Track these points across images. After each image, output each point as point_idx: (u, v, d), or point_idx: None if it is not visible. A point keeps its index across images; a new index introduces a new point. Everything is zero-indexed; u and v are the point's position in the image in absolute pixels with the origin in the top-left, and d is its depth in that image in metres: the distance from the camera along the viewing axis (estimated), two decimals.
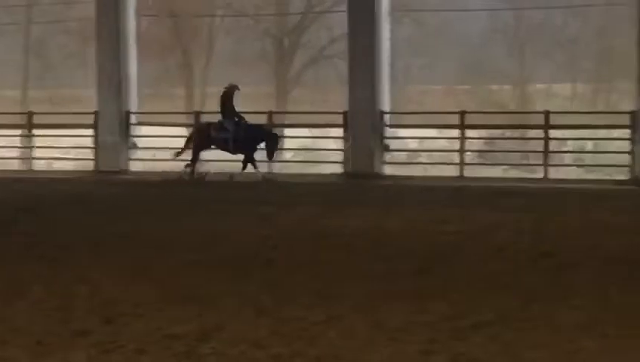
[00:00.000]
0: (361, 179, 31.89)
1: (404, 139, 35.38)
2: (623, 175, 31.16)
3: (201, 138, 32.25)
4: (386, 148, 33.52)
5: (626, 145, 31.27)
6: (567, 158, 34.05)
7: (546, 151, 32.10)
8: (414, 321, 11.72)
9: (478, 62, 36.26)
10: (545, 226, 21.12)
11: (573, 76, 35.52)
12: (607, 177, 31.60)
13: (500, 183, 30.43)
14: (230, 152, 32.20)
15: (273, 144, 31.95)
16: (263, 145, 31.80)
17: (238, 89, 32.05)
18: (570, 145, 34.14)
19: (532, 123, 33.47)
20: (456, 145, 33.04)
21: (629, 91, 32.01)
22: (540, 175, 31.97)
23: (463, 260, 16.75)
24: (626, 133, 31.19)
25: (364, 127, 33.02)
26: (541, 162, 32.24)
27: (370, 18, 32.92)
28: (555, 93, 35.56)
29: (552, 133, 32.31)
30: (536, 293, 13.46)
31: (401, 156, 34.63)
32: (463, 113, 32.51)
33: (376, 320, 11.79)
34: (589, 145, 33.96)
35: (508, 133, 34.93)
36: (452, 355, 10.16)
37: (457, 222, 21.76)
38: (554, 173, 32.17)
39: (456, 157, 33.00)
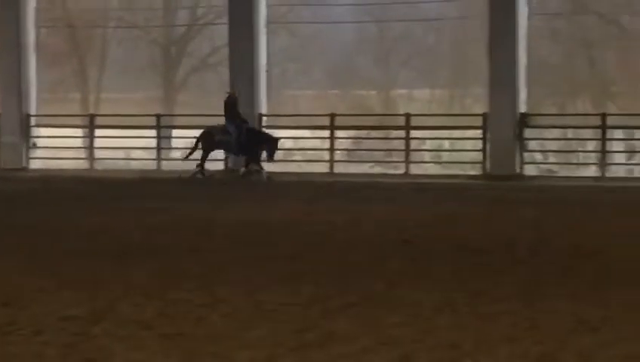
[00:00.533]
0: (240, 176, 31.96)
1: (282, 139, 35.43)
2: (475, 171, 31.59)
3: (206, 141, 31.76)
4: None
5: (478, 144, 31.68)
6: (427, 156, 34.35)
7: (407, 150, 32.38)
8: (289, 303, 11.78)
9: (347, 69, 36.47)
10: (405, 217, 21.33)
11: (432, 82, 35.85)
12: (462, 173, 32.00)
13: (366, 179, 30.64)
14: (234, 154, 32.19)
15: (273, 147, 31.52)
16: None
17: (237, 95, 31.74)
18: (428, 144, 34.46)
19: (395, 124, 33.67)
20: (327, 144, 33.18)
21: (481, 96, 32.40)
22: (402, 171, 32.24)
23: (333, 248, 16.79)
24: (478, 133, 31.57)
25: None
26: (403, 159, 32.51)
27: (249, 29, 32.96)
28: (415, 98, 35.88)
29: (413, 133, 32.60)
30: (397, 277, 13.59)
31: (277, 154, 34.63)
32: (332, 115, 32.67)
33: (255, 302, 11.83)
34: (446, 144, 34.31)
35: (373, 133, 35.10)
36: (321, 333, 10.23)
37: (328, 213, 21.88)
38: (414, 170, 32.48)
39: (326, 156, 33.14)
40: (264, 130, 32.90)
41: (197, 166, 31.61)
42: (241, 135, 31.05)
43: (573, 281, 13.32)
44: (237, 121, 31.27)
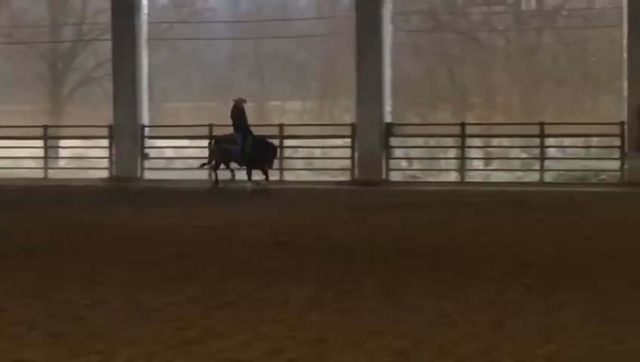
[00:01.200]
0: (124, 182, 31.73)
1: (162, 148, 35.31)
2: (344, 177, 31.78)
3: (215, 151, 30.38)
4: (146, 157, 33.46)
5: (347, 152, 31.91)
6: (299, 163, 34.46)
7: (281, 158, 32.48)
8: (170, 302, 11.75)
9: (224, 83, 36.37)
10: (281, 220, 21.39)
11: (303, 95, 35.97)
12: (332, 179, 32.15)
13: (243, 185, 30.66)
14: (239, 164, 30.11)
15: (274, 155, 30.17)
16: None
17: (246, 102, 30.18)
18: (301, 153, 34.60)
19: (269, 134, 33.71)
20: (205, 153, 33.15)
21: (349, 107, 32.62)
22: (277, 178, 32.32)
23: (212, 249, 16.84)
24: (347, 141, 31.80)
25: (127, 138, 32.91)
26: (277, 167, 32.60)
27: (132, 45, 32.84)
28: (288, 109, 35.98)
29: (286, 142, 32.73)
30: (271, 276, 13.64)
31: (159, 163, 34.54)
32: (211, 126, 32.70)
33: (137, 302, 11.78)
34: (317, 152, 34.45)
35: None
36: (201, 330, 10.24)
37: (207, 217, 21.89)
38: (288, 176, 32.59)
39: None
40: (268, 139, 30.49)
41: (213, 176, 30.66)
42: (246, 145, 29.20)
43: (435, 279, 13.45)
44: (243, 130, 29.54)
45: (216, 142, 30.77)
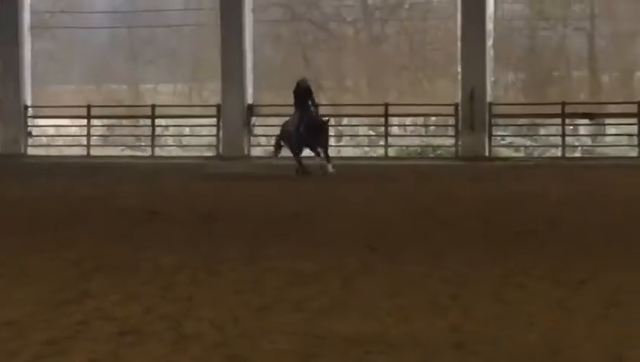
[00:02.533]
0: (9, 158, 31.17)
1: (45, 127, 34.85)
2: (211, 153, 31.73)
3: (281, 133, 26.29)
4: (30, 135, 33.01)
5: (213, 130, 31.85)
6: (170, 140, 34.29)
7: (153, 136, 32.35)
8: (50, 267, 11.64)
9: (102, 67, 35.94)
10: (153, 191, 21.26)
11: (174, 78, 35.67)
12: (200, 154, 32.04)
13: (118, 160, 30.39)
14: (291, 144, 25.56)
15: (325, 134, 25.42)
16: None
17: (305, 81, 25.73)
18: (171, 131, 34.42)
19: (143, 114, 33.46)
20: (85, 131, 32.84)
21: (215, 89, 32.51)
22: (149, 153, 32.14)
23: (91, 218, 16.62)
24: (213, 121, 31.78)
25: (12, 118, 32.41)
26: (149, 144, 32.44)
27: (14, 33, 32.35)
28: (160, 92, 35.66)
29: (158, 121, 32.57)
30: (144, 242, 13.56)
31: (42, 140, 34.08)
32: (89, 107, 32.49)
33: (20, 267, 11.64)
34: (186, 130, 34.29)
35: (124, 121, 34.79)
36: (78, 292, 10.14)
37: (86, 189, 21.65)
38: (159, 152, 32.42)
39: (84, 141, 32.76)
40: (322, 118, 25.75)
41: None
42: (300, 126, 24.75)
43: (291, 242, 13.52)
44: (300, 111, 25.08)
45: (284, 123, 26.53)
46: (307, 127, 24.56)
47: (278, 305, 9.50)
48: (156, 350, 7.88)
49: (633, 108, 29.90)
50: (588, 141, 31.57)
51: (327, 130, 25.52)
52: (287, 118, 26.06)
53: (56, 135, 34.19)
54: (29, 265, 11.73)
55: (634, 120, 29.87)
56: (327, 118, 25.91)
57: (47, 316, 9.06)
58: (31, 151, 32.55)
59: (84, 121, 32.73)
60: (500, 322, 8.75)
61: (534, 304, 9.47)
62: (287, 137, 25.64)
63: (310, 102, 25.21)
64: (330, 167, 24.65)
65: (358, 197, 19.91)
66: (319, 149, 25.07)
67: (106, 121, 34.27)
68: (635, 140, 29.91)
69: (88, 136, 32.70)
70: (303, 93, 25.17)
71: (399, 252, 12.57)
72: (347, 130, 33.33)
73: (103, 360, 7.58)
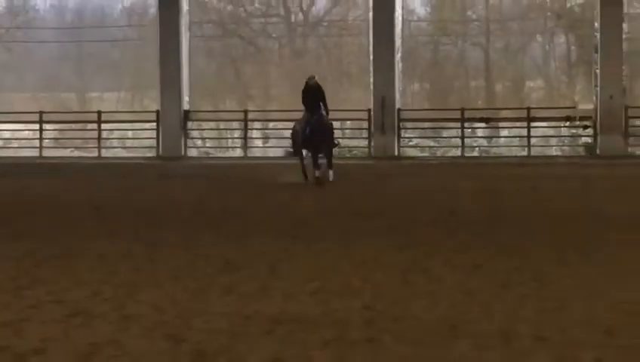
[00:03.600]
0: None
1: (0, 130, 34.47)
2: (151, 153, 31.55)
3: (292, 132, 22.88)
4: None
5: (153, 134, 31.68)
6: (115, 143, 34.00)
7: (99, 138, 32.11)
8: (7, 256, 11.53)
9: (53, 77, 35.60)
10: (98, 188, 21.07)
11: (118, 87, 35.46)
12: (141, 155, 31.82)
13: (68, 161, 30.09)
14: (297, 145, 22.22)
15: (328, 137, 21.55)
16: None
17: (314, 78, 21.73)
18: (116, 134, 34.07)
19: (90, 119, 33.16)
20: (37, 135, 32.50)
21: (155, 97, 32.34)
22: (96, 155, 31.87)
23: (44, 212, 16.47)
24: (153, 125, 31.58)
25: None
26: (96, 145, 32.18)
27: None
28: (105, 99, 35.39)
29: (104, 125, 32.33)
30: (90, 234, 13.47)
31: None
32: (41, 113, 32.15)
33: None
34: (129, 134, 34.02)
35: (73, 126, 34.46)
36: (33, 278, 10.05)
37: (38, 187, 21.40)
38: (105, 153, 32.16)
39: (37, 143, 32.43)
40: (325, 120, 21.61)
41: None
42: (306, 128, 21.25)
43: (223, 233, 13.50)
44: (309, 112, 21.46)
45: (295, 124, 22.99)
46: (312, 129, 20.94)
47: (210, 289, 9.51)
48: (102, 329, 7.85)
49: (523, 114, 30.34)
50: (484, 142, 31.90)
51: (331, 135, 21.63)
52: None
53: (11, 138, 33.75)
54: None
55: (524, 124, 30.30)
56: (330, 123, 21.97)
57: (3, 300, 8.97)
58: None
59: (37, 126, 32.38)
60: (406, 302, 8.84)
61: (436, 286, 9.57)
62: (294, 137, 22.32)
63: (321, 103, 21.38)
64: (331, 174, 21.01)
65: (280, 192, 19.93)
66: (321, 154, 21.14)
67: (56, 126, 33.94)
68: (525, 141, 30.33)
69: (40, 139, 32.42)
70: (312, 93, 21.38)
71: (317, 241, 12.63)
72: (273, 133, 33.24)
73: (54, 339, 7.53)
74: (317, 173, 20.81)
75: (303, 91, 21.56)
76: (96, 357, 7.00)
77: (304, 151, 21.77)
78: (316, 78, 21.76)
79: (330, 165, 21.17)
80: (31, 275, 10.22)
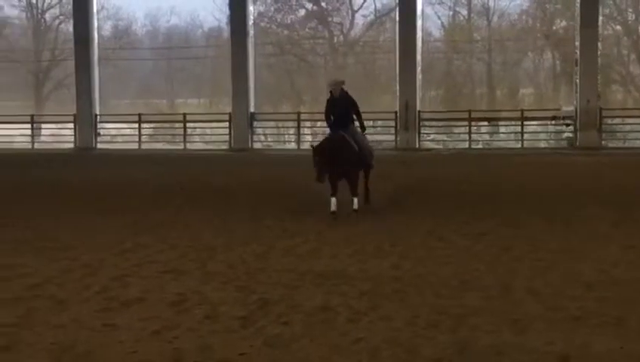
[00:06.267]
0: (82, 151, 30.96)
1: (109, 129, 34.61)
2: (225, 146, 31.51)
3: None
4: (98, 134, 32.73)
5: (226, 130, 31.58)
6: (197, 138, 33.91)
7: (185, 135, 32.18)
8: (114, 226, 11.59)
9: (148, 87, 35.91)
10: (183, 173, 21.01)
11: (199, 95, 35.68)
12: (218, 148, 31.75)
13: (159, 152, 30.16)
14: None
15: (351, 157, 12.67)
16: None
17: (332, 88, 13.10)
18: (197, 131, 33.81)
19: (177, 120, 33.25)
20: (136, 132, 32.58)
21: (228, 102, 32.15)
22: (182, 147, 31.93)
23: (142, 192, 16.29)
24: (226, 124, 31.48)
25: (85, 123, 32.19)
26: (182, 140, 32.23)
27: (88, 63, 32.21)
28: (189, 104, 35.57)
29: (188, 125, 32.38)
30: (178, 209, 13.46)
31: (107, 138, 33.69)
32: (140, 115, 32.23)
33: (93, 226, 11.59)
34: (208, 131, 33.90)
35: (164, 124, 34.38)
36: (134, 243, 10.11)
37: (137, 173, 21.40)
38: (189, 146, 32.14)
39: (136, 138, 32.51)
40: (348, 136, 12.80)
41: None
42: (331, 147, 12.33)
43: (282, 208, 13.36)
44: (334, 127, 12.88)
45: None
46: (331, 148, 12.23)
47: (272, 251, 9.53)
48: (188, 283, 7.90)
49: (518, 114, 30.11)
50: (487, 137, 31.60)
51: (358, 156, 12.74)
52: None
53: (116, 135, 33.98)
54: (98, 225, 11.71)
55: (518, 122, 30.07)
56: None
57: (112, 261, 9.06)
58: (100, 146, 32.27)
59: (136, 125, 32.47)
60: (425, 262, 8.81)
61: (450, 250, 9.53)
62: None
63: (350, 113, 12.98)
64: (355, 203, 12.40)
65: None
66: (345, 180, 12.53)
67: (151, 125, 33.95)
68: (519, 136, 30.07)
69: (139, 135, 32.44)
70: (341, 103, 12.89)
71: (360, 215, 12.56)
72: (320, 130, 33.03)
73: (151, 290, 7.59)
74: (333, 206, 12.20)
75: (328, 102, 13.01)
76: (184, 305, 7.05)
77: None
78: (344, 84, 13.26)
79: (354, 191, 12.47)
80: (132, 241, 10.30)
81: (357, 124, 13.29)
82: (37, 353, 5.68)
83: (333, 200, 12.25)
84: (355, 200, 12.44)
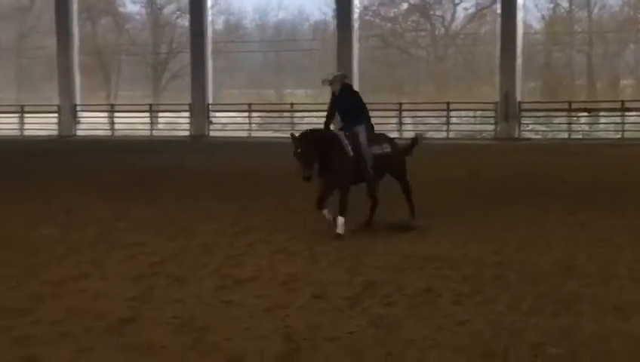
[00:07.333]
0: (195, 138, 31.57)
1: (221, 117, 35.18)
2: None
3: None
4: (210, 122, 33.31)
5: None
6: (305, 126, 34.02)
7: (292, 123, 32.38)
8: (227, 210, 11.75)
9: (257, 78, 36.36)
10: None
11: (305, 85, 35.86)
12: None
13: (268, 140, 30.49)
14: None
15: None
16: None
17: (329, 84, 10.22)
18: (305, 120, 34.01)
19: (285, 109, 33.50)
20: (247, 120, 33.00)
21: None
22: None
23: (251, 179, 16.46)
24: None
25: (199, 112, 32.83)
26: (289, 130, 32.42)
27: (202, 56, 32.77)
28: (296, 94, 35.82)
29: (295, 114, 32.58)
30: (285, 196, 13.52)
31: (218, 126, 34.26)
32: (250, 104, 32.67)
33: (207, 209, 11.78)
34: (314, 120, 34.01)
35: (273, 113, 34.72)
36: (247, 225, 10.25)
37: (246, 160, 21.65)
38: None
39: (246, 127, 32.90)
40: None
41: None
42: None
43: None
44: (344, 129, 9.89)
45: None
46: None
47: (378, 235, 9.52)
48: (298, 263, 7.99)
49: (618, 105, 29.19)
50: (586, 128, 30.76)
51: (338, 156, 9.53)
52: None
53: (228, 123, 34.55)
54: (213, 209, 11.92)
55: (618, 113, 29.15)
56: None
57: (226, 241, 9.22)
58: (212, 133, 32.86)
59: (247, 114, 32.95)
60: (527, 249, 8.65)
61: (551, 238, 9.32)
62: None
63: (355, 110, 10.06)
64: (338, 223, 9.33)
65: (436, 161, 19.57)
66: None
67: (260, 114, 34.41)
68: (619, 127, 29.17)
69: (249, 123, 32.92)
70: (341, 102, 10.09)
71: (460, 202, 12.44)
72: (420, 120, 32.80)
73: (263, 269, 7.71)
74: (326, 215, 9.59)
75: (331, 101, 10.19)
76: (293, 283, 7.12)
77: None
78: (346, 78, 10.62)
79: (341, 211, 9.40)
80: (245, 224, 10.45)
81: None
82: (159, 326, 5.85)
83: (325, 213, 9.54)
84: (339, 220, 9.34)
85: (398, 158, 10.29)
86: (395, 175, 10.34)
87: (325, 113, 10.12)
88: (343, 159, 9.49)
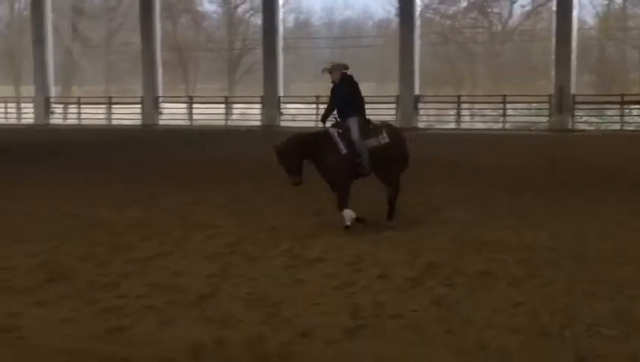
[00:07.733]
0: (267, 128, 31.73)
1: (290, 109, 35.28)
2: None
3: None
4: (281, 113, 33.38)
5: (393, 111, 31.34)
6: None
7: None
8: (293, 196, 11.62)
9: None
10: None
11: (368, 79, 35.58)
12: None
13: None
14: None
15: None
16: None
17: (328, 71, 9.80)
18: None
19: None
20: (314, 111, 33.01)
21: (395, 86, 31.99)
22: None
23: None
24: (393, 105, 31.23)
25: (271, 103, 32.92)
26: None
27: (273, 51, 32.76)
28: (361, 88, 35.56)
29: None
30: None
31: (288, 117, 34.34)
32: (317, 96, 32.54)
33: (279, 195, 11.76)
34: (375, 112, 33.80)
35: None
36: (314, 210, 10.24)
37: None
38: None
39: (313, 118, 32.92)
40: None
41: None
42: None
43: (450, 181, 13.19)
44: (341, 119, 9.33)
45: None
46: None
47: (435, 222, 9.43)
48: (363, 246, 7.96)
49: None
50: (638, 120, 29.92)
51: (329, 154, 8.98)
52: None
53: (296, 114, 34.57)
54: (284, 193, 11.93)
55: None
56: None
57: (294, 224, 9.25)
58: (282, 123, 32.94)
59: (314, 105, 32.91)
60: (581, 235, 8.47)
61: (604, 225, 9.10)
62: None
63: (347, 102, 9.46)
64: (342, 217, 8.82)
65: (492, 151, 19.21)
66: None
67: (325, 105, 34.26)
68: None
69: (317, 115, 32.74)
70: (339, 93, 9.57)
71: (515, 189, 12.21)
72: (477, 112, 32.34)
73: (330, 251, 7.72)
74: (342, 216, 8.88)
75: (330, 93, 9.71)
76: (359, 264, 7.13)
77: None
78: (346, 69, 9.84)
79: (339, 205, 8.96)
80: (314, 208, 10.44)
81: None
82: (235, 301, 5.92)
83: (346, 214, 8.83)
84: (344, 213, 8.82)
85: (400, 148, 9.31)
86: (395, 165, 9.26)
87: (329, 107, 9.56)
88: (335, 157, 8.89)
